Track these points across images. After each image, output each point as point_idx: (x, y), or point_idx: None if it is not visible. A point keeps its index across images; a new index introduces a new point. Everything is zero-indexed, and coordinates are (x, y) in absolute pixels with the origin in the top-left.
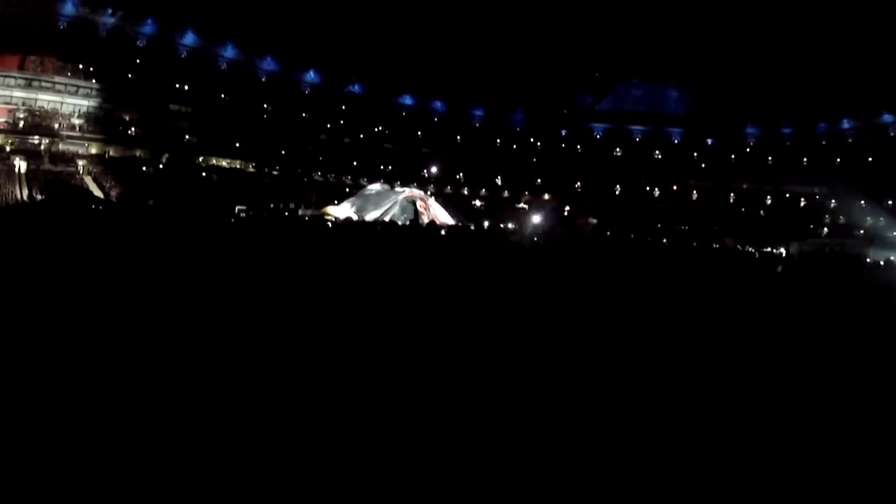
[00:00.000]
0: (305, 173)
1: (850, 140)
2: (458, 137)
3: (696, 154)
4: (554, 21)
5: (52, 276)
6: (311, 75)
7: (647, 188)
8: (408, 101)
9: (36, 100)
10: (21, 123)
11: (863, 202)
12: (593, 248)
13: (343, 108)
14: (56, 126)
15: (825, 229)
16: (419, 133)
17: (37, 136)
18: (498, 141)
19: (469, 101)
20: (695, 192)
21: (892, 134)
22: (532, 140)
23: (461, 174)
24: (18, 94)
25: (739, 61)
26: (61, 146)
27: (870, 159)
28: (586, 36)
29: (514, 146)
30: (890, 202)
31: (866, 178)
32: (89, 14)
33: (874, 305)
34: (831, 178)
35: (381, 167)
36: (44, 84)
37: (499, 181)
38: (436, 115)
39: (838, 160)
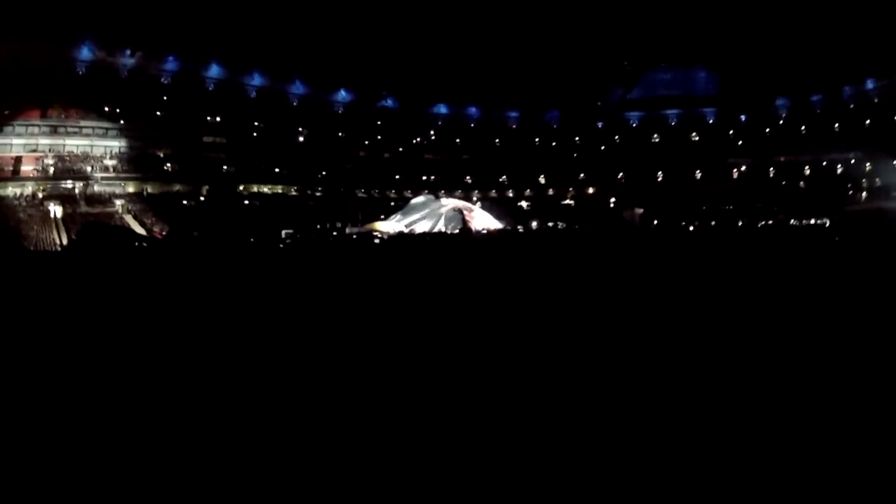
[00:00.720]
0: (348, 191)
1: (876, 100)
2: (497, 141)
3: (731, 132)
4: (578, 14)
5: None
6: (342, 94)
7: (688, 171)
8: (442, 109)
9: (64, 145)
10: (51, 169)
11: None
12: (643, 238)
13: (378, 123)
14: (88, 169)
15: (864, 193)
16: (457, 140)
17: (70, 181)
18: (536, 140)
19: (503, 104)
20: (734, 170)
21: None
22: (570, 135)
23: (504, 177)
24: (45, 141)
25: (761, 34)
26: (97, 188)
27: None
28: (611, 27)
29: (553, 143)
30: None
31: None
32: (107, 57)
33: None
34: (863, 140)
35: (424, 178)
36: (69, 129)
37: (542, 180)
38: (471, 121)
39: (867, 122)
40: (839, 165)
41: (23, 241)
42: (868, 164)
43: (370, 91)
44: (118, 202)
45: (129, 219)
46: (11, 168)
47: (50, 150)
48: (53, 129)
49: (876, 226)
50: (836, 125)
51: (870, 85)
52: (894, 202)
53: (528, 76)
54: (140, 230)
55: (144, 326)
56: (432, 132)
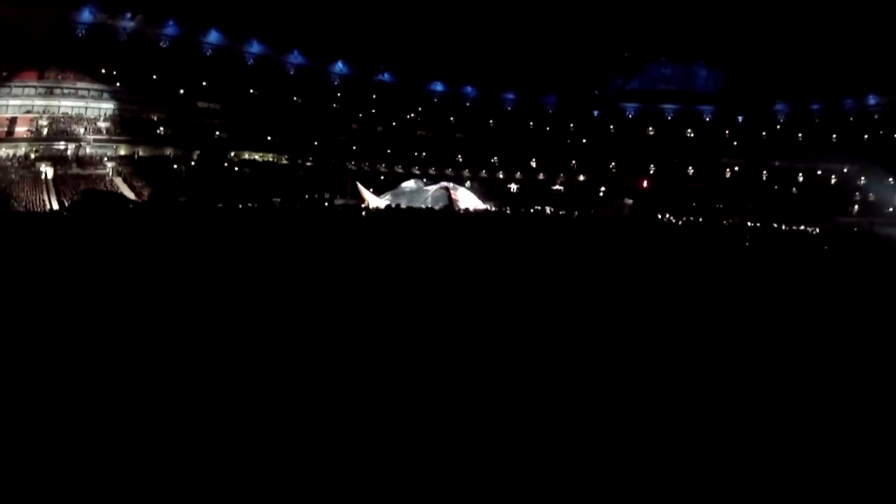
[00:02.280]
0: (339, 163)
1: (876, 116)
2: (491, 122)
3: (727, 132)
4: (582, 2)
5: (93, 272)
6: (339, 66)
7: (681, 167)
8: (439, 87)
9: (59, 106)
10: (45, 130)
11: (891, 180)
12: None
13: (374, 97)
14: (81, 130)
15: (856, 207)
16: (451, 119)
17: (62, 142)
18: (531, 124)
19: (500, 86)
20: (727, 170)
21: None
22: (565, 122)
23: (495, 158)
24: (39, 102)
25: (766, 37)
26: (89, 150)
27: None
28: (614, 16)
29: (547, 129)
30: None
31: (893, 156)
32: (107, 20)
33: None
34: (859, 155)
35: (415, 154)
36: (65, 91)
37: (533, 164)
38: (468, 101)
39: (866, 136)
40: (833, 176)
41: (13, 201)
42: (862, 178)
43: (368, 64)
44: (109, 164)
45: (118, 181)
46: (6, 129)
47: (44, 112)
48: (49, 91)
49: (865, 240)
50: (834, 136)
51: (872, 100)
52: (886, 219)
53: (528, 59)
54: (130, 193)
55: (128, 302)
56: (427, 109)
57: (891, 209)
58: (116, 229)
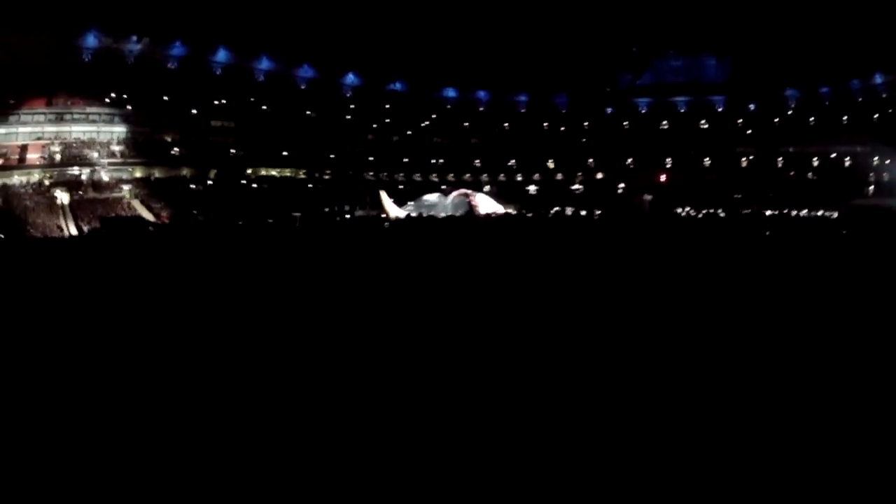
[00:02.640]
0: (357, 174)
1: (883, 95)
2: (506, 125)
3: (739, 121)
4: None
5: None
6: (350, 78)
7: (696, 159)
8: (451, 93)
9: (70, 132)
10: (57, 157)
11: None
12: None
13: (387, 106)
14: (95, 155)
15: (871, 188)
16: (466, 124)
17: (76, 167)
18: (545, 125)
19: (512, 89)
20: (743, 159)
21: None
22: (578, 121)
23: (513, 161)
24: (50, 128)
25: (771, 24)
26: (104, 174)
27: None
28: (620, 12)
29: (562, 128)
30: None
31: None
32: (113, 44)
33: None
34: (870, 135)
35: (432, 161)
36: (76, 116)
37: (551, 164)
38: (480, 105)
39: (875, 116)
40: (847, 158)
41: (29, 228)
42: (875, 159)
43: (379, 74)
44: (125, 187)
45: (136, 204)
46: (18, 157)
47: (56, 138)
48: (59, 117)
49: (881, 222)
50: (845, 118)
51: (878, 79)
52: None
53: (537, 59)
54: (148, 215)
55: (148, 315)
56: (440, 115)
57: None
58: (139, 253)
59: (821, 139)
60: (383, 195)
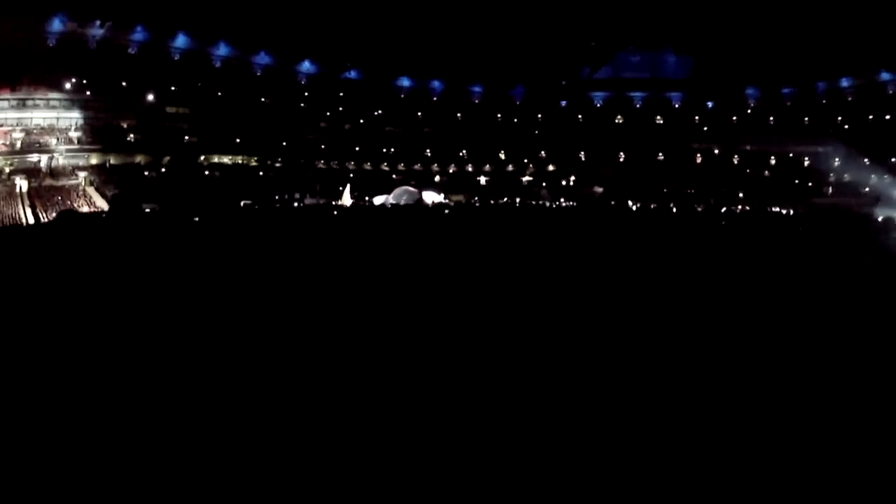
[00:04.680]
0: (308, 163)
1: (849, 99)
2: (459, 115)
3: (697, 118)
4: None
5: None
6: (306, 65)
7: (651, 154)
8: (405, 82)
9: (31, 118)
10: (18, 143)
11: (866, 160)
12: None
13: (341, 94)
14: (54, 142)
15: (830, 188)
16: (419, 114)
17: (35, 154)
18: (499, 116)
19: (467, 79)
20: (699, 154)
21: (890, 91)
22: (533, 113)
23: (464, 151)
24: (13, 115)
25: (735, 23)
26: (61, 161)
27: (870, 117)
28: (580, 5)
29: (516, 120)
30: (894, 160)
31: (867, 137)
32: (78, 28)
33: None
34: (833, 136)
35: (384, 150)
36: (38, 102)
37: (502, 156)
38: (435, 95)
39: (839, 119)
40: (806, 158)
41: None
42: (837, 160)
43: (335, 62)
44: (81, 174)
45: (91, 191)
46: None
47: (18, 125)
48: (22, 103)
49: (841, 221)
50: (807, 119)
51: (844, 83)
52: (862, 200)
53: (494, 52)
54: (102, 202)
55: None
56: (394, 104)
57: (866, 189)
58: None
59: (781, 139)
60: (347, 189)
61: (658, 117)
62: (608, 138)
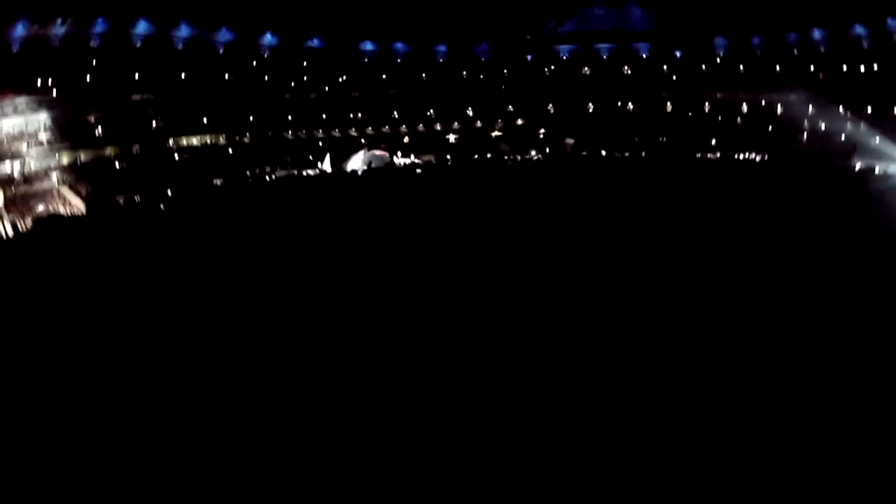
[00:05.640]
0: (277, 135)
1: (822, 50)
2: (424, 75)
3: (665, 67)
4: None
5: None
6: (268, 38)
7: (620, 104)
8: (369, 46)
9: (1, 128)
10: None
11: (841, 110)
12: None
13: (304, 64)
14: (24, 147)
15: (805, 135)
16: (384, 76)
17: (7, 161)
18: (464, 73)
19: (430, 39)
20: (668, 103)
21: (865, 46)
22: (499, 69)
23: (431, 111)
24: None
25: None
26: (33, 165)
27: (844, 68)
28: None
29: (482, 76)
30: (869, 109)
31: (842, 88)
32: (40, 30)
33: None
34: (806, 87)
35: (351, 116)
36: (5, 109)
37: (470, 113)
38: (398, 57)
39: (812, 68)
40: (779, 106)
41: None
42: (810, 108)
43: (296, 32)
44: (54, 175)
45: (65, 191)
46: None
47: None
48: None
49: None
50: (778, 67)
51: (817, 35)
52: (839, 147)
53: (456, 9)
54: (77, 201)
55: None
56: (358, 69)
57: (842, 138)
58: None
59: (752, 87)
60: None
61: (626, 68)
62: (577, 90)
